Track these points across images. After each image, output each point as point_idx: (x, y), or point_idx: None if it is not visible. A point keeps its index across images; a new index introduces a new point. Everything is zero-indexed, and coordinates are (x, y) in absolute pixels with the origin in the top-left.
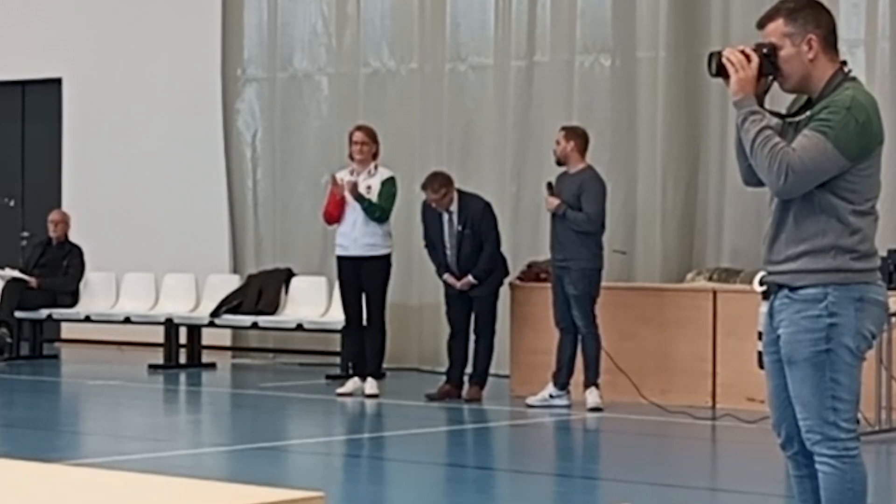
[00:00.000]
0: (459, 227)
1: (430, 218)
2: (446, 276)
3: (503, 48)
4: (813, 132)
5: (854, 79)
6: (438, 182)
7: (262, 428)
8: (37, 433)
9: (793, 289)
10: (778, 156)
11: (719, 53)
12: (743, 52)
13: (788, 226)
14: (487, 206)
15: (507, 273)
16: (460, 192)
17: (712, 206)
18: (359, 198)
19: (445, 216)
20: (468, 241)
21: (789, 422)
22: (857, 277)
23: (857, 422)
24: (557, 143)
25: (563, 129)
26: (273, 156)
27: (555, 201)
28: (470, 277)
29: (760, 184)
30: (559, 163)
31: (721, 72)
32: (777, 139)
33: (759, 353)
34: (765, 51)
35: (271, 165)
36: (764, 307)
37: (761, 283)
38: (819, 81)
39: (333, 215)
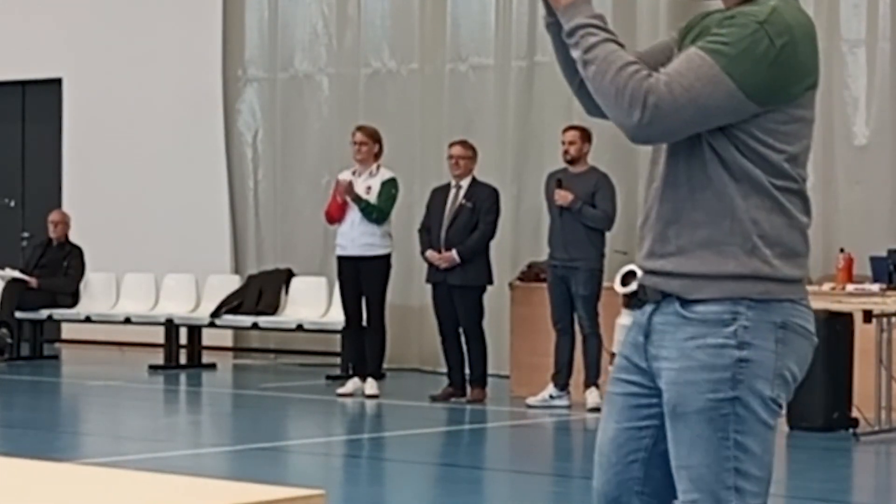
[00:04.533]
0: (462, 201)
1: (437, 198)
2: (429, 252)
3: (504, 48)
4: (697, 50)
5: None
6: (470, 145)
7: (263, 428)
8: (37, 434)
9: (686, 302)
10: (631, 80)
11: None
12: None
13: (680, 198)
14: (497, 193)
15: (490, 280)
16: (474, 178)
17: None
18: (356, 199)
19: (452, 192)
20: (465, 214)
21: (626, 491)
22: (781, 291)
23: None
24: (572, 142)
25: (578, 128)
26: (274, 156)
27: (568, 195)
28: (454, 253)
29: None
30: (571, 162)
31: None
32: (629, 58)
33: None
34: None
35: (272, 166)
36: (626, 318)
37: (624, 283)
38: None
39: (333, 217)
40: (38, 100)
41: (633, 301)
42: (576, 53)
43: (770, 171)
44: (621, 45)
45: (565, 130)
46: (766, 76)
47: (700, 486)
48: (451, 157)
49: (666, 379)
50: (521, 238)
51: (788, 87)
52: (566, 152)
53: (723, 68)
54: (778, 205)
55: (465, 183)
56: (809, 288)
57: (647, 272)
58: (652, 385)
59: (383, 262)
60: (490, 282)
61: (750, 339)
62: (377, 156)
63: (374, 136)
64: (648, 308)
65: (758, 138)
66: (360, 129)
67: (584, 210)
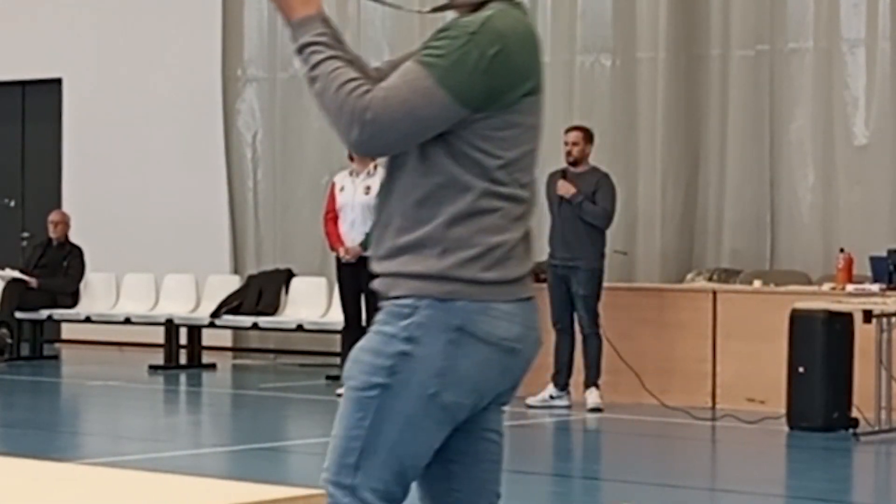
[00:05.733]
0: None
1: None
2: None
3: None
4: (412, 63)
5: (516, 2)
6: None
7: (263, 428)
8: (37, 434)
9: (387, 299)
10: (350, 97)
11: None
12: None
13: (394, 203)
14: None
15: None
16: None
17: (712, 207)
18: (364, 246)
19: None
20: None
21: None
22: (470, 293)
23: None
24: (575, 143)
25: (580, 129)
26: (273, 156)
27: (571, 187)
28: None
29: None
30: (574, 163)
31: None
32: (352, 74)
33: None
34: None
35: (272, 166)
36: None
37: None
38: None
39: (336, 246)
40: (38, 100)
41: None
42: (304, 70)
43: (482, 176)
44: (350, 61)
45: (568, 131)
46: (479, 85)
47: (331, 456)
48: None
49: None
50: None
51: (503, 95)
52: (569, 153)
53: (437, 80)
54: (481, 210)
55: None
56: (809, 288)
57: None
58: None
59: None
60: None
61: (418, 336)
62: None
63: None
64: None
65: (473, 144)
66: None
67: (584, 205)
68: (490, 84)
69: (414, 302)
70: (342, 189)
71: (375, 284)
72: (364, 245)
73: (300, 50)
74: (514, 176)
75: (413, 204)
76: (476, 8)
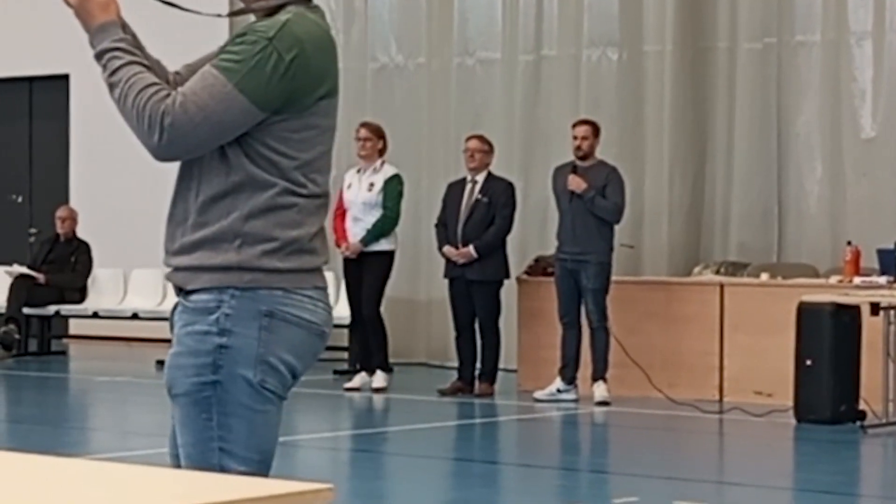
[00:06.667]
0: (479, 196)
1: (453, 193)
2: (446, 247)
3: (511, 42)
4: (211, 68)
5: (313, 5)
6: (486, 140)
7: None
8: (44, 429)
9: (187, 293)
10: (149, 103)
11: None
12: None
13: (190, 200)
14: (512, 187)
15: (507, 274)
16: (490, 172)
17: (719, 200)
18: (365, 244)
19: (468, 187)
20: (481, 209)
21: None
22: (271, 281)
23: None
24: (585, 137)
25: (589, 123)
26: None
27: (582, 182)
28: (471, 248)
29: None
30: (584, 157)
31: None
32: (151, 79)
33: None
34: None
35: None
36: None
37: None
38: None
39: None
40: (46, 96)
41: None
42: (103, 77)
43: (278, 175)
44: (149, 67)
45: (576, 125)
46: (277, 90)
47: (191, 464)
48: (467, 149)
49: (166, 363)
50: (528, 232)
51: (300, 98)
52: (578, 147)
53: (235, 85)
54: (279, 206)
55: (480, 177)
56: (817, 280)
57: (169, 268)
58: None
59: (385, 259)
60: (507, 276)
61: (230, 327)
62: (381, 152)
63: (378, 133)
64: (175, 301)
65: (269, 146)
66: (364, 125)
67: (596, 200)
68: (287, 88)
69: (217, 295)
70: (349, 186)
71: (171, 279)
72: (364, 241)
73: (99, 56)
74: (310, 176)
75: (210, 200)
76: (273, 12)
